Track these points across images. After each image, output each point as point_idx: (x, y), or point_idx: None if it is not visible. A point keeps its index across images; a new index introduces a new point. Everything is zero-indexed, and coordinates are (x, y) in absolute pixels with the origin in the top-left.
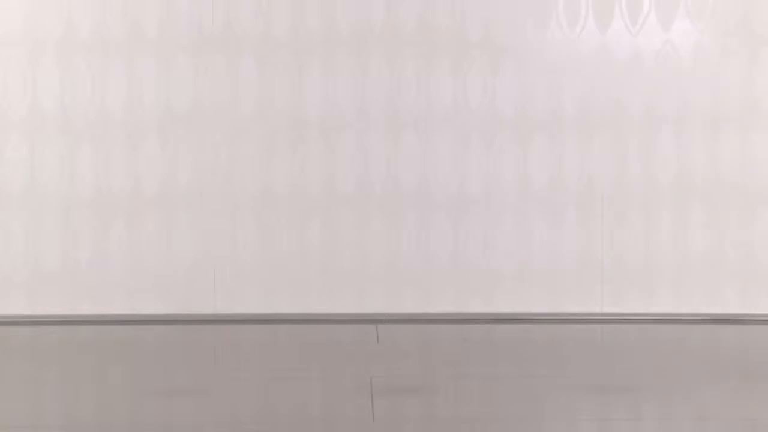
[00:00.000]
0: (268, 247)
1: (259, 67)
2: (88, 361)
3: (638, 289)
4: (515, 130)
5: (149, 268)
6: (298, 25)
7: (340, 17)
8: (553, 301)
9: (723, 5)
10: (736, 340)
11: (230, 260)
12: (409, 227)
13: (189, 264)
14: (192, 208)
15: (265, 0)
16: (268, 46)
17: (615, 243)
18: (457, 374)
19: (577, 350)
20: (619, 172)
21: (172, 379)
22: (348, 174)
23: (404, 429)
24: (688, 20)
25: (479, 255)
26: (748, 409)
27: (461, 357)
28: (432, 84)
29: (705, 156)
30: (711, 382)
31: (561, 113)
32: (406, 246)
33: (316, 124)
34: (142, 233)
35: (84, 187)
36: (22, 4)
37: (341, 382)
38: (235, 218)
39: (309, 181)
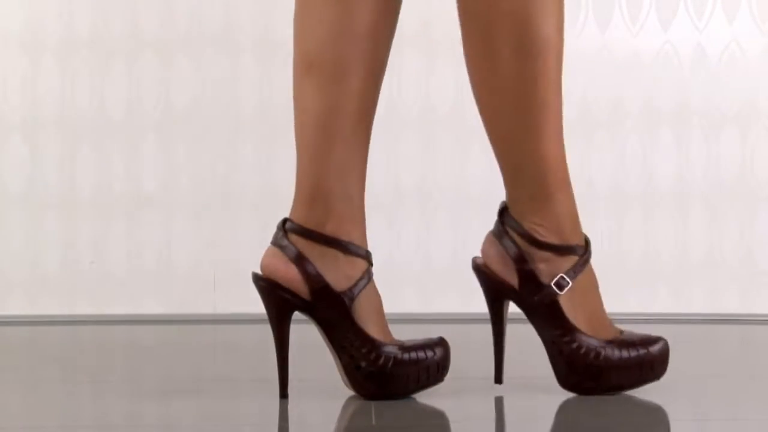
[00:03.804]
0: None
1: (259, 67)
2: (88, 361)
3: (638, 289)
4: None
5: (149, 268)
6: None
7: None
8: None
9: (724, 5)
10: (738, 339)
11: (230, 260)
12: (409, 227)
13: (189, 264)
14: (192, 208)
15: (265, 0)
16: (268, 46)
17: (615, 243)
18: (457, 375)
19: None
20: (619, 172)
21: (172, 379)
22: None
23: (402, 429)
24: (688, 20)
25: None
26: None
27: (461, 357)
28: (432, 84)
29: (705, 156)
30: (716, 381)
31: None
32: (405, 246)
33: None
34: (142, 233)
35: (84, 187)
36: (22, 4)
37: (338, 382)
38: (235, 218)
39: None
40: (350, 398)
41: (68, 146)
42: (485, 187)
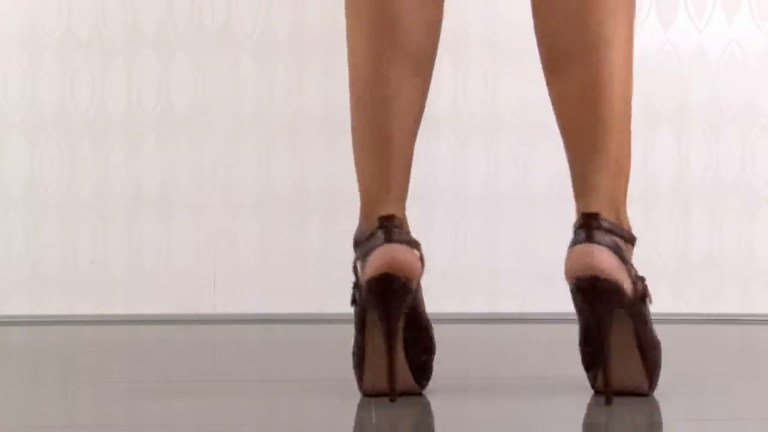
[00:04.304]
0: (268, 247)
1: (259, 67)
2: (88, 361)
3: None
4: (515, 129)
5: (149, 268)
6: (299, 25)
7: (341, 17)
8: (552, 301)
9: (724, 5)
10: (738, 339)
11: (230, 260)
12: (410, 227)
13: (189, 264)
14: (192, 208)
15: (265, 0)
16: (269, 46)
17: None
18: (456, 375)
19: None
20: None
21: (173, 380)
22: (348, 174)
23: (400, 430)
24: (688, 20)
25: (479, 255)
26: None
27: (461, 357)
28: (432, 84)
29: (705, 156)
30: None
31: None
32: None
33: (316, 124)
34: (142, 233)
35: (84, 187)
36: (22, 4)
37: (338, 382)
38: (235, 218)
39: (309, 181)
40: (350, 398)
41: (68, 146)
42: (485, 188)
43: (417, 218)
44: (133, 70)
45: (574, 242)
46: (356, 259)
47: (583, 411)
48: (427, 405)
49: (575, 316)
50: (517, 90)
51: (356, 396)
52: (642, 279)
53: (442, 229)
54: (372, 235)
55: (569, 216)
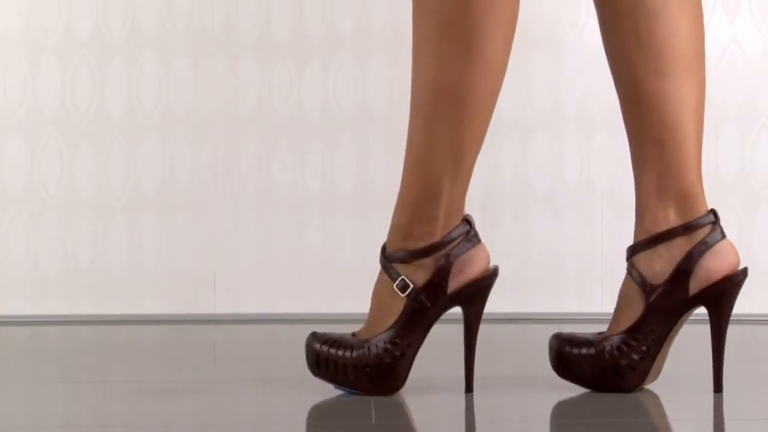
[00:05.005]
0: (268, 247)
1: (259, 67)
2: (88, 361)
3: None
4: (515, 129)
5: (149, 268)
6: (299, 25)
7: (340, 17)
8: (553, 301)
9: (724, 5)
10: (738, 340)
11: (230, 260)
12: None
13: (189, 264)
14: (192, 208)
15: (265, 0)
16: (269, 46)
17: (615, 243)
18: (457, 375)
19: None
20: (619, 172)
21: (173, 380)
22: (348, 174)
23: (399, 429)
24: None
25: None
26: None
27: (461, 357)
28: None
29: (705, 156)
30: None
31: (561, 112)
32: None
33: (316, 124)
34: (142, 233)
35: (84, 187)
36: (22, 4)
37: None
38: (235, 218)
39: (309, 181)
40: (350, 398)
41: (68, 146)
42: (485, 187)
43: None
44: (133, 70)
45: (716, 239)
46: (441, 257)
47: (583, 411)
48: (428, 404)
49: (574, 316)
50: (517, 89)
51: (356, 396)
52: None
53: None
54: (466, 234)
55: (568, 216)
